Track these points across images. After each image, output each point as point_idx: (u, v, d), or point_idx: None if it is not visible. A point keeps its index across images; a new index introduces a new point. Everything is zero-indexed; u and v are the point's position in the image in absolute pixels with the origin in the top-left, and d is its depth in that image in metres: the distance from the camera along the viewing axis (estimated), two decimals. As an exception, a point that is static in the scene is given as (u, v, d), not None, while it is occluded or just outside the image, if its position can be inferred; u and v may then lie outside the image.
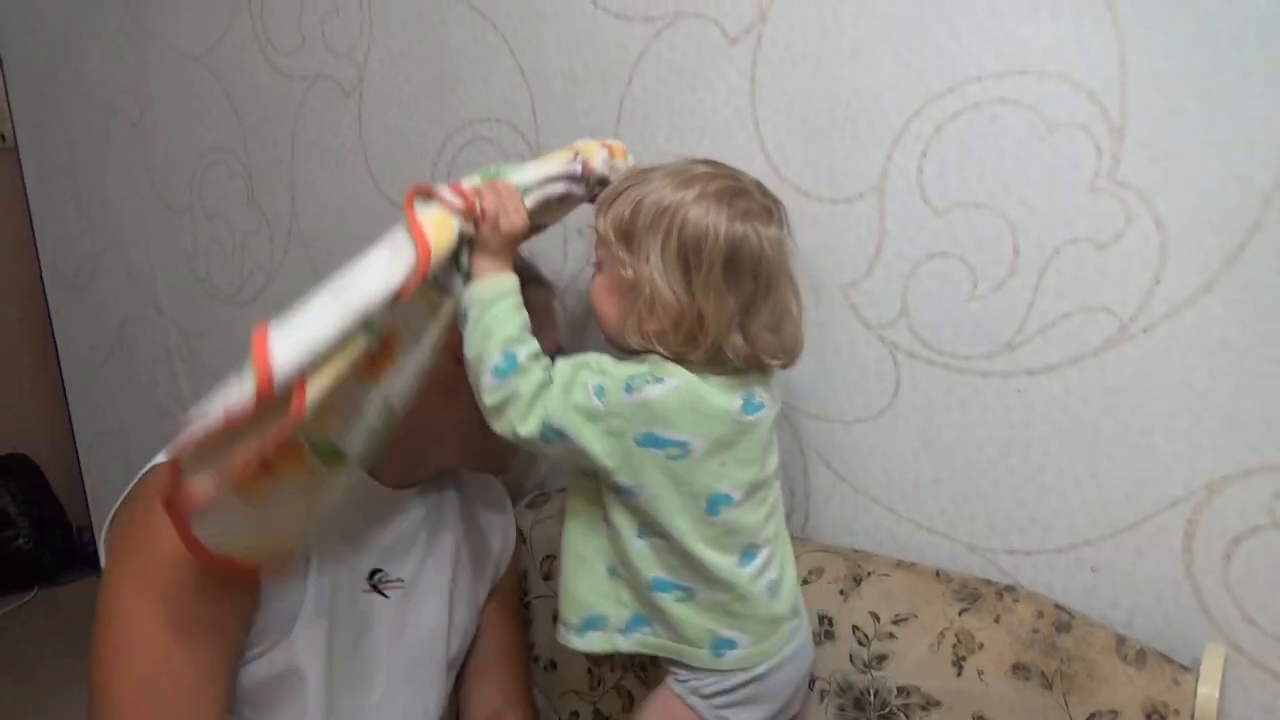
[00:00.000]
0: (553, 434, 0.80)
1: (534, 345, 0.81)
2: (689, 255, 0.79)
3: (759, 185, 0.85)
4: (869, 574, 0.99)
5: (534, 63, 1.20)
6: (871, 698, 0.96)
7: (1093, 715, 0.85)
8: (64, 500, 2.82)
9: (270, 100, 1.50)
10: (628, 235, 0.81)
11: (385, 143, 1.38)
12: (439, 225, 0.79)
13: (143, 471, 0.86)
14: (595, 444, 0.80)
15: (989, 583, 0.95)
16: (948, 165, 0.93)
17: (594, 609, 0.88)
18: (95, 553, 2.27)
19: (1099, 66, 0.85)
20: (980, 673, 0.90)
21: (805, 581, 1.00)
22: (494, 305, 0.81)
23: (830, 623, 0.98)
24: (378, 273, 0.76)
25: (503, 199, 0.82)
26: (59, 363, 2.11)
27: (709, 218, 0.79)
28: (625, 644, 0.88)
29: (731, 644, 0.86)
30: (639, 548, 0.84)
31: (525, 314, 0.83)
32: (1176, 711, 0.82)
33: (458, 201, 0.80)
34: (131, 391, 1.94)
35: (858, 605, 0.98)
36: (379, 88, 1.36)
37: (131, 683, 0.78)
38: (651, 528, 0.84)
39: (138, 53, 1.69)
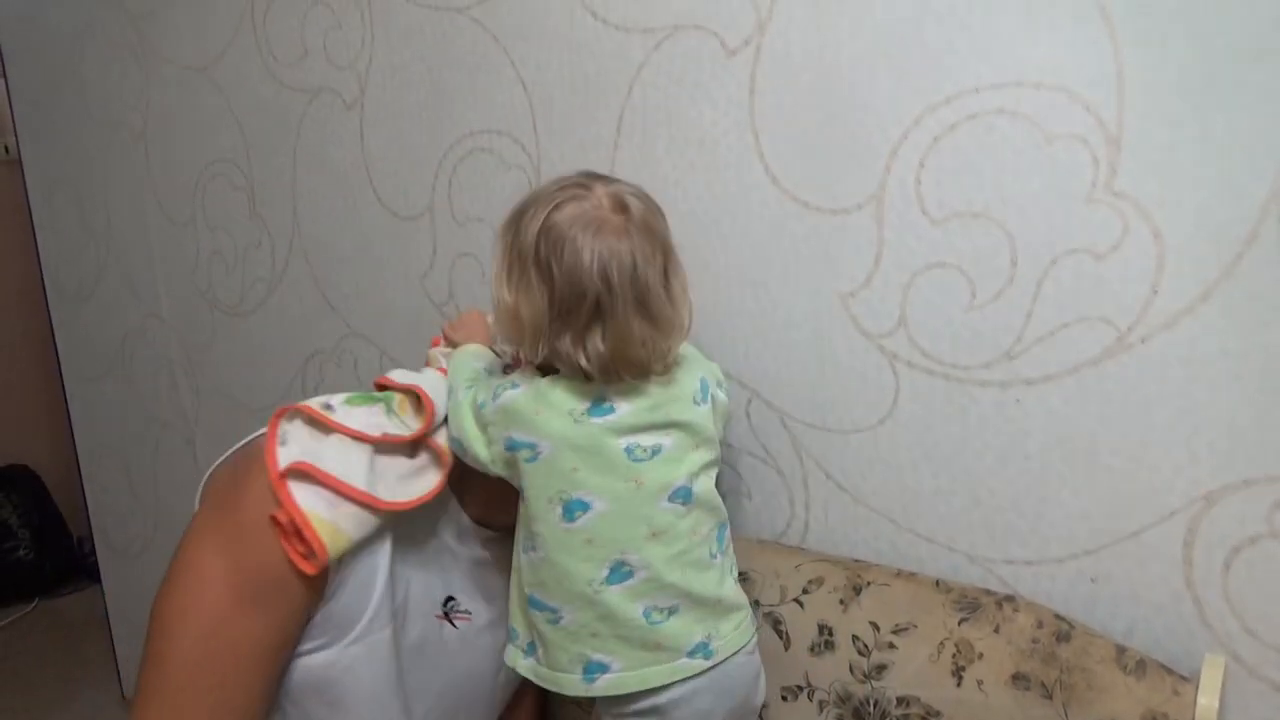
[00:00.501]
0: (458, 446, 0.89)
1: (469, 381, 0.91)
2: (513, 258, 0.84)
3: (617, 193, 0.84)
4: (868, 584, 0.99)
5: (534, 75, 1.20)
6: (871, 708, 0.96)
7: (1093, 726, 0.85)
8: (65, 511, 2.82)
9: (272, 112, 1.51)
10: (494, 248, 0.89)
11: (387, 155, 1.39)
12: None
13: (250, 438, 0.87)
14: (483, 451, 0.87)
15: (989, 593, 0.95)
16: (945, 176, 0.94)
17: (513, 620, 0.91)
18: (95, 564, 2.27)
19: (1096, 78, 0.85)
20: (980, 683, 0.90)
21: (805, 591, 1.01)
22: (459, 360, 0.95)
23: (830, 632, 0.98)
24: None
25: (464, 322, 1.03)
26: (60, 374, 2.11)
27: (535, 220, 0.83)
28: (523, 666, 0.90)
29: (603, 667, 0.85)
30: (522, 563, 0.88)
31: (479, 362, 0.94)
32: (1177, 722, 0.82)
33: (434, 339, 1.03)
34: (133, 403, 1.94)
35: (857, 615, 0.98)
36: (380, 100, 1.37)
37: (189, 638, 0.80)
38: (528, 539, 0.87)
39: (141, 66, 1.70)
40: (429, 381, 0.92)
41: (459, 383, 0.92)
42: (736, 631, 0.92)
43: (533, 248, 0.82)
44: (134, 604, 2.08)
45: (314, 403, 0.87)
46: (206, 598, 0.80)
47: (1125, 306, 0.87)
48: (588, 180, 0.86)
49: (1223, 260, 0.82)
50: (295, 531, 0.80)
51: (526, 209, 0.85)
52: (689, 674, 0.87)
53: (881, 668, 0.95)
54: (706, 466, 0.90)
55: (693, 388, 0.90)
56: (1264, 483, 0.83)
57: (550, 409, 0.84)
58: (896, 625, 0.96)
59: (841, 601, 0.99)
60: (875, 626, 0.97)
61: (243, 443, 0.88)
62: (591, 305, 0.81)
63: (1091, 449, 0.91)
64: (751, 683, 0.94)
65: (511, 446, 0.85)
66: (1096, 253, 0.87)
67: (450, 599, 0.96)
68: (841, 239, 1.00)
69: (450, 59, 1.28)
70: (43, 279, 2.08)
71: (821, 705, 0.98)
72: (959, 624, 0.93)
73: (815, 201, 1.02)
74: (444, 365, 0.98)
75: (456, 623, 0.96)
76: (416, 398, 0.91)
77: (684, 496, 0.88)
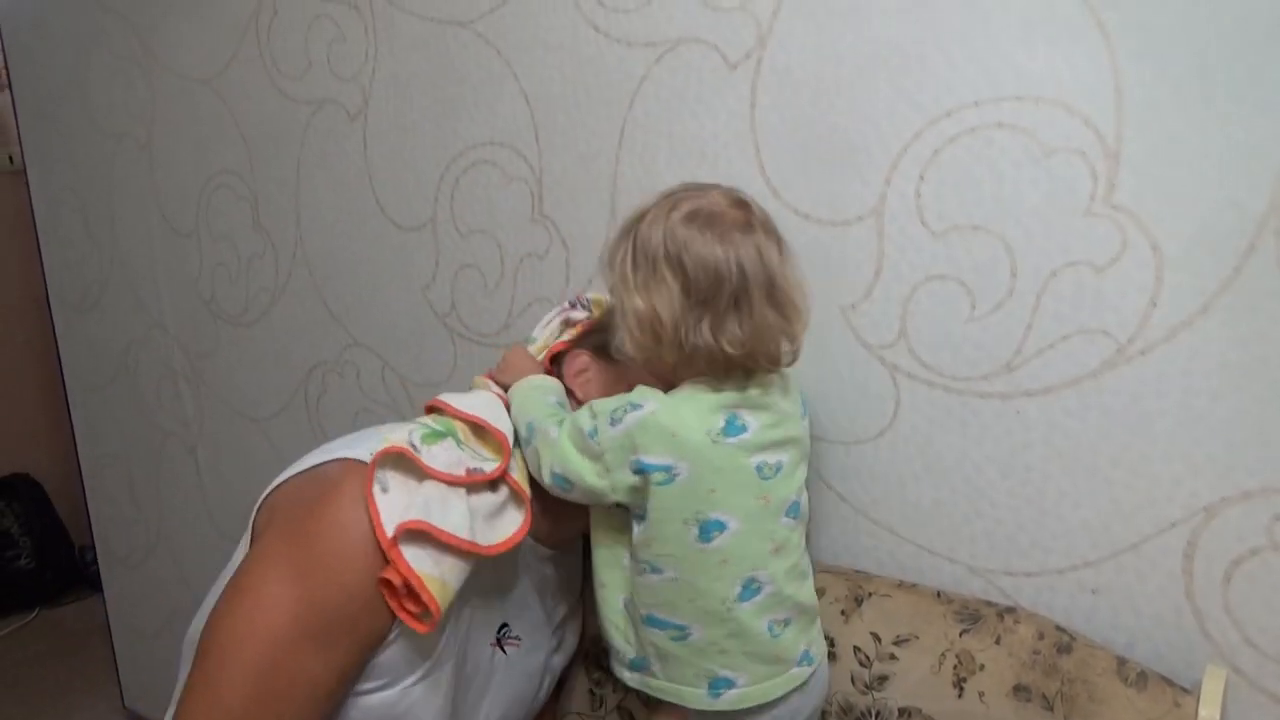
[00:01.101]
0: (563, 481, 0.86)
1: (552, 415, 0.88)
2: (639, 261, 0.84)
3: (731, 194, 0.86)
4: (870, 595, 0.99)
5: (537, 87, 1.21)
6: (873, 719, 0.96)
7: (1094, 738, 0.85)
8: (67, 521, 2.82)
9: (276, 124, 1.52)
10: (610, 260, 0.87)
11: (390, 166, 1.39)
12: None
13: (322, 459, 0.84)
14: (598, 481, 0.84)
15: (990, 604, 0.95)
16: (945, 189, 0.94)
17: (610, 639, 0.91)
18: (97, 573, 2.27)
19: (1094, 92, 0.86)
20: (981, 694, 0.90)
21: (806, 603, 1.01)
22: (523, 396, 0.93)
23: (831, 643, 0.99)
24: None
25: (502, 359, 1.00)
26: (64, 383, 2.12)
27: (657, 223, 0.83)
28: (629, 679, 0.90)
29: (729, 683, 0.86)
30: (638, 583, 0.87)
31: (550, 395, 0.92)
32: (1178, 734, 0.82)
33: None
34: (136, 412, 1.95)
35: (859, 626, 0.98)
36: (384, 112, 1.38)
37: (246, 667, 0.75)
38: (648, 560, 0.85)
39: (145, 77, 1.71)
40: (488, 408, 0.91)
41: (541, 419, 0.89)
42: (820, 636, 0.94)
43: (661, 246, 0.82)
44: (136, 613, 2.08)
45: (402, 442, 0.83)
46: (270, 627, 0.76)
47: (1124, 319, 0.87)
48: (698, 185, 0.87)
49: (1221, 273, 0.83)
50: (409, 593, 0.78)
51: (642, 216, 0.85)
52: (800, 682, 0.89)
53: (883, 679, 0.96)
54: (804, 479, 0.92)
55: (800, 402, 0.93)
56: (1264, 495, 0.83)
57: (687, 429, 0.82)
58: (898, 636, 0.96)
59: (843, 612, 0.99)
60: (877, 637, 0.97)
61: (311, 464, 0.85)
62: (729, 293, 0.82)
63: (1092, 461, 0.91)
64: (827, 685, 0.97)
65: (642, 469, 0.82)
66: (1096, 265, 0.88)
67: (504, 625, 0.95)
68: (842, 251, 1.01)
69: (453, 72, 1.29)
70: (46, 289, 2.08)
71: (824, 716, 0.98)
72: (960, 635, 0.93)
73: (816, 214, 1.02)
74: (496, 391, 0.96)
75: (507, 649, 0.95)
76: (479, 427, 0.90)
77: (795, 511, 0.89)
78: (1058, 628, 0.91)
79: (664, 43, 1.09)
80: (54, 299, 2.08)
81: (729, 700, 0.86)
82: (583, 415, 0.86)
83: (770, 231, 0.85)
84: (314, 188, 1.50)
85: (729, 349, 0.82)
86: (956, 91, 0.92)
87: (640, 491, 0.84)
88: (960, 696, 0.91)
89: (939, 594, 0.97)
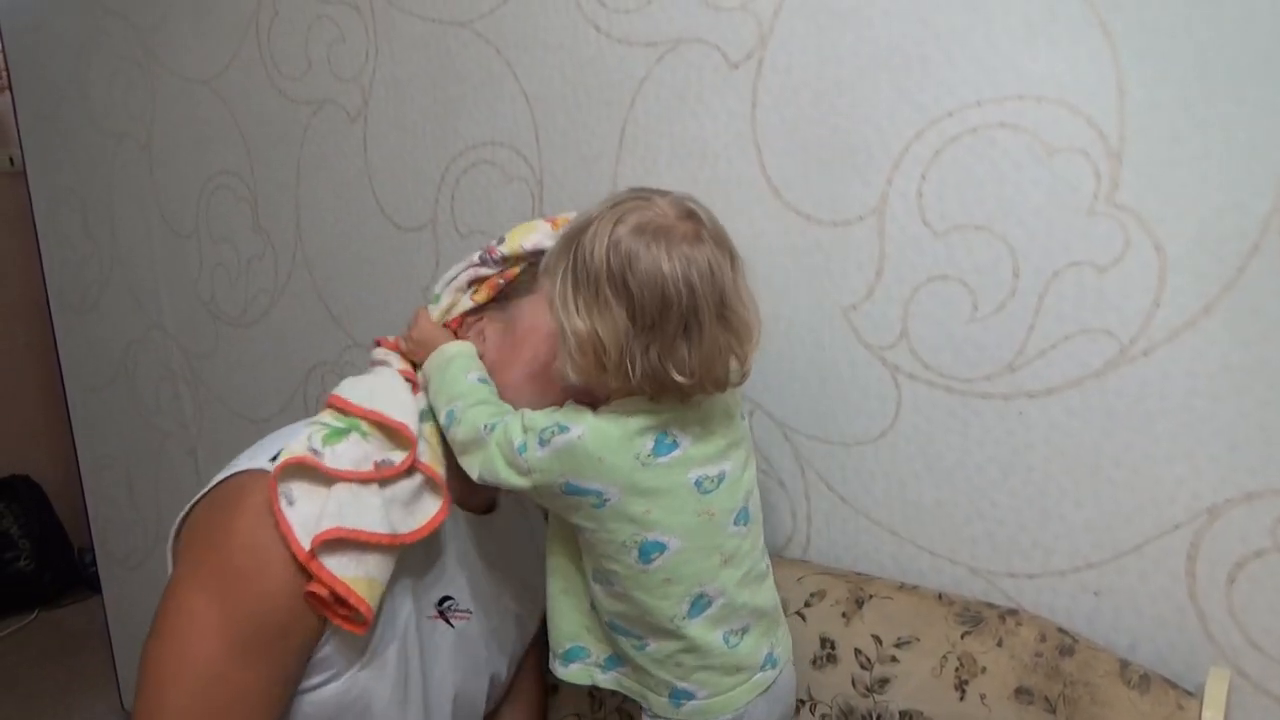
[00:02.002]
0: (491, 479, 0.83)
1: (474, 397, 0.86)
2: (580, 280, 0.77)
3: (680, 203, 0.80)
4: (871, 597, 0.98)
5: (537, 87, 1.21)
6: (874, 722, 0.95)
7: (1097, 740, 0.85)
8: (66, 522, 2.82)
9: (276, 125, 1.52)
10: (548, 275, 0.81)
11: (390, 167, 1.39)
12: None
13: (225, 474, 0.83)
14: (531, 493, 0.82)
15: (991, 606, 0.95)
16: (947, 189, 0.94)
17: (577, 641, 0.89)
18: (96, 575, 2.26)
19: (1096, 92, 0.86)
20: (983, 697, 0.90)
21: (806, 604, 1.00)
22: (440, 372, 0.89)
23: (832, 646, 0.98)
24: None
25: (418, 329, 0.96)
26: (63, 384, 2.12)
27: (598, 237, 0.76)
28: (603, 679, 0.89)
29: (689, 694, 0.85)
30: (596, 591, 0.86)
31: (469, 370, 0.88)
32: (1181, 737, 0.82)
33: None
34: (135, 414, 1.94)
35: (860, 628, 0.97)
36: (384, 112, 1.38)
37: (186, 692, 0.75)
38: (602, 573, 0.84)
39: (146, 78, 1.71)
40: (387, 397, 0.87)
41: (465, 408, 0.85)
42: (786, 637, 0.93)
43: (603, 264, 0.75)
44: (135, 615, 2.07)
45: (301, 450, 0.81)
46: (202, 648, 0.76)
47: (1127, 319, 0.87)
48: (643, 192, 0.80)
49: (1224, 273, 0.82)
50: (337, 600, 0.78)
51: (584, 229, 0.78)
52: (764, 687, 0.88)
53: (884, 681, 0.95)
54: (753, 480, 0.90)
55: (737, 403, 0.88)
56: (1268, 496, 0.83)
57: (613, 454, 0.78)
58: (899, 638, 0.95)
59: (844, 614, 0.99)
60: (878, 640, 0.96)
61: (215, 482, 0.83)
62: (678, 317, 0.76)
63: (1094, 462, 0.90)
64: (794, 687, 0.96)
65: (573, 492, 0.80)
66: (1098, 265, 0.87)
67: (446, 599, 0.95)
68: (843, 251, 1.01)
69: (453, 72, 1.28)
70: (46, 289, 2.08)
71: (824, 719, 0.98)
72: (962, 637, 0.93)
73: (817, 214, 1.02)
74: (401, 367, 0.93)
75: (454, 622, 0.95)
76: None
77: (745, 518, 0.86)
78: (1060, 630, 0.91)
79: (665, 43, 1.09)
80: (54, 300, 2.08)
81: (689, 711, 0.85)
82: (514, 427, 0.82)
83: (722, 243, 0.79)
84: (314, 188, 1.50)
85: (678, 377, 0.76)
86: (958, 91, 0.92)
87: (572, 510, 0.81)
88: (962, 699, 0.91)
89: (940, 596, 0.97)
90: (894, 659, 0.95)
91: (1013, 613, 0.93)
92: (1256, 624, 0.85)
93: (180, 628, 0.77)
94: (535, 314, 0.89)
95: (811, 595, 1.01)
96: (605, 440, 0.79)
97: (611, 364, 0.76)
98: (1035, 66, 0.88)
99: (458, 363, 0.89)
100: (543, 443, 0.79)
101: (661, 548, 0.81)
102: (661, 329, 0.76)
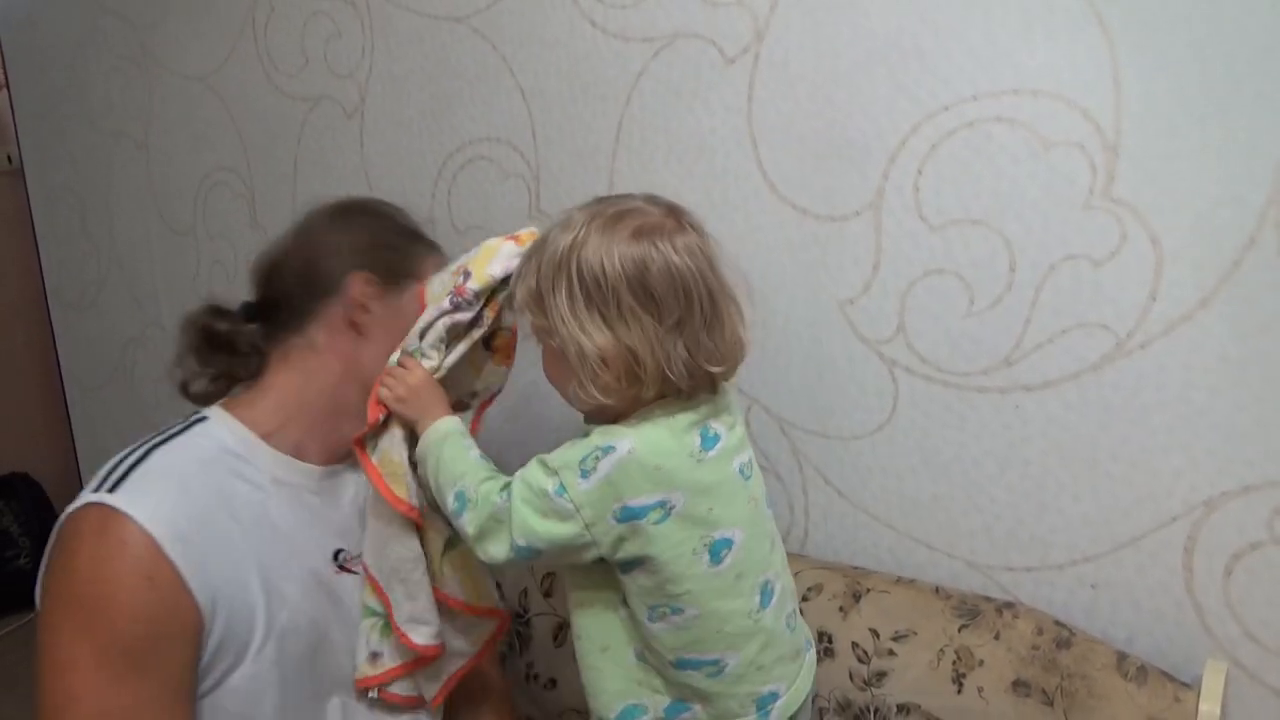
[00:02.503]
0: (527, 551, 0.78)
1: (481, 474, 0.82)
2: (593, 295, 0.75)
3: (652, 198, 0.80)
4: (868, 590, 0.99)
5: (534, 83, 1.21)
6: (871, 715, 0.95)
7: (1094, 733, 0.85)
8: (66, 520, 2.82)
9: (273, 121, 1.52)
10: (538, 301, 0.78)
11: (387, 163, 1.39)
12: (383, 461, 0.89)
13: (65, 513, 0.83)
14: (577, 540, 0.76)
15: (989, 599, 0.95)
16: (944, 183, 0.94)
17: (628, 699, 0.83)
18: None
19: (1093, 86, 0.86)
20: (980, 690, 0.90)
21: (804, 598, 1.00)
22: (437, 451, 0.84)
23: (830, 640, 0.98)
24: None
25: (392, 378, 0.88)
26: (62, 383, 2.12)
27: (600, 250, 0.74)
28: None
29: (774, 696, 0.83)
30: (655, 630, 0.79)
31: (471, 448, 0.84)
32: (1178, 729, 0.82)
33: (369, 420, 0.89)
34: (134, 411, 1.94)
35: (857, 622, 0.97)
36: (380, 108, 1.38)
37: None
38: (663, 604, 0.78)
39: (143, 75, 1.71)
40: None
41: (473, 485, 0.80)
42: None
43: (619, 274, 0.74)
44: (134, 613, 2.08)
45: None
46: (82, 687, 0.78)
47: (1124, 313, 0.87)
48: (612, 199, 0.80)
49: (1221, 267, 0.82)
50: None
51: (575, 247, 0.76)
52: (812, 666, 0.87)
53: (881, 675, 0.95)
54: None
55: (732, 385, 0.87)
56: (1265, 489, 0.83)
57: (670, 458, 0.76)
58: (896, 632, 0.95)
59: (841, 608, 0.99)
60: (875, 633, 0.96)
61: (57, 526, 0.85)
62: (699, 306, 0.76)
63: (1091, 455, 0.90)
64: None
65: (631, 516, 0.75)
66: (1095, 259, 0.87)
67: (340, 550, 0.93)
68: (840, 246, 1.01)
69: (450, 68, 1.28)
70: (44, 288, 2.08)
71: (822, 712, 0.98)
72: (959, 631, 0.93)
73: (813, 209, 1.02)
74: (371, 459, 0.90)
75: (354, 568, 0.94)
76: None
77: (768, 499, 0.86)
78: (1057, 623, 0.91)
79: (661, 38, 1.09)
80: (52, 298, 2.08)
81: (778, 713, 0.83)
82: (535, 474, 0.77)
83: (701, 229, 0.80)
84: (311, 185, 1.49)
85: (709, 366, 0.76)
86: (954, 85, 0.92)
87: (627, 540, 0.76)
88: (959, 692, 0.91)
89: (938, 589, 0.97)
90: (891, 652, 0.95)
91: (1010, 606, 0.93)
92: (1253, 616, 0.85)
93: (58, 674, 0.80)
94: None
95: (809, 589, 1.01)
96: (658, 446, 0.76)
97: (649, 372, 0.75)
98: (1031, 60, 0.88)
99: (453, 439, 0.84)
100: (585, 474, 0.75)
101: (729, 543, 0.78)
102: (688, 323, 0.76)
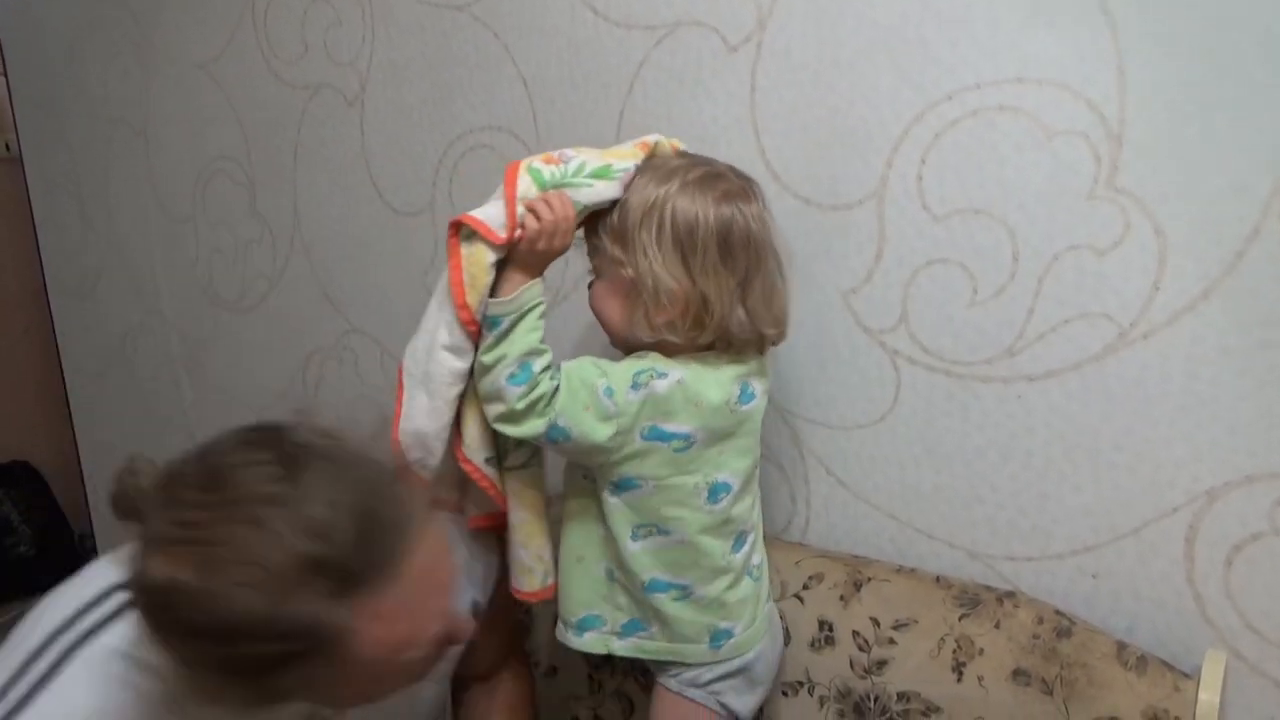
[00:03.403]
0: (560, 434, 0.83)
1: (548, 357, 0.83)
2: (683, 242, 0.82)
3: (732, 168, 0.88)
4: (869, 580, 0.99)
5: (535, 71, 1.20)
6: (871, 704, 0.96)
7: (1094, 722, 0.85)
8: (66, 508, 2.81)
9: (273, 109, 1.51)
10: (621, 236, 0.84)
11: (387, 151, 1.38)
12: (470, 261, 0.82)
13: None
14: (606, 441, 0.83)
15: (989, 589, 0.95)
16: (947, 172, 0.93)
17: (591, 609, 0.91)
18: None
19: (1097, 75, 0.85)
20: (980, 679, 0.90)
21: (805, 587, 1.01)
22: (523, 318, 0.82)
23: (830, 628, 0.98)
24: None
25: (556, 219, 0.82)
26: (62, 371, 2.11)
27: (695, 204, 0.82)
28: (620, 647, 0.91)
29: (729, 634, 0.90)
30: (634, 550, 0.87)
31: (541, 327, 0.84)
32: (1178, 718, 0.82)
33: (500, 235, 0.82)
34: (134, 399, 1.94)
35: (858, 611, 0.98)
36: (381, 96, 1.37)
37: None
38: (649, 525, 0.86)
39: (141, 63, 1.70)
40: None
41: (543, 370, 0.82)
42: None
43: (709, 229, 0.82)
44: (135, 600, 2.08)
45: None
46: None
47: (1127, 303, 0.87)
48: (698, 158, 0.88)
49: (1225, 257, 0.82)
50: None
51: (668, 197, 0.82)
52: (768, 621, 0.95)
53: (882, 663, 0.95)
54: None
55: None
56: (1266, 479, 0.83)
57: (710, 398, 0.84)
58: (897, 621, 0.96)
59: (842, 597, 0.99)
60: (876, 622, 0.97)
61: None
62: (762, 271, 0.85)
63: (1094, 445, 0.90)
64: (780, 626, 1.00)
65: (657, 437, 0.84)
66: (1098, 249, 0.87)
67: None
68: (843, 235, 1.00)
69: (451, 55, 1.28)
70: (44, 275, 2.08)
71: (822, 701, 0.98)
72: (959, 620, 0.93)
73: (816, 198, 1.01)
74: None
75: None
76: None
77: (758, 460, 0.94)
78: (1057, 612, 0.91)
79: (663, 26, 1.08)
80: (51, 286, 2.07)
81: (728, 649, 0.90)
82: (587, 370, 0.83)
83: (766, 203, 0.89)
84: (311, 173, 1.49)
85: (764, 327, 0.86)
86: (958, 74, 0.91)
87: (640, 458, 0.84)
88: (960, 681, 0.91)
89: (938, 579, 0.97)
90: (892, 641, 0.95)
91: (1011, 595, 0.93)
92: (1254, 606, 0.85)
93: None
94: None
95: (810, 578, 1.01)
96: (704, 385, 0.84)
97: (714, 319, 0.83)
98: (1035, 49, 0.88)
99: (537, 311, 0.83)
100: (635, 386, 0.83)
101: (729, 489, 0.87)
102: (753, 283, 0.84)
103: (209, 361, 1.76)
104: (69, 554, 2.79)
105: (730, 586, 0.89)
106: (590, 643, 0.92)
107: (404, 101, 1.34)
